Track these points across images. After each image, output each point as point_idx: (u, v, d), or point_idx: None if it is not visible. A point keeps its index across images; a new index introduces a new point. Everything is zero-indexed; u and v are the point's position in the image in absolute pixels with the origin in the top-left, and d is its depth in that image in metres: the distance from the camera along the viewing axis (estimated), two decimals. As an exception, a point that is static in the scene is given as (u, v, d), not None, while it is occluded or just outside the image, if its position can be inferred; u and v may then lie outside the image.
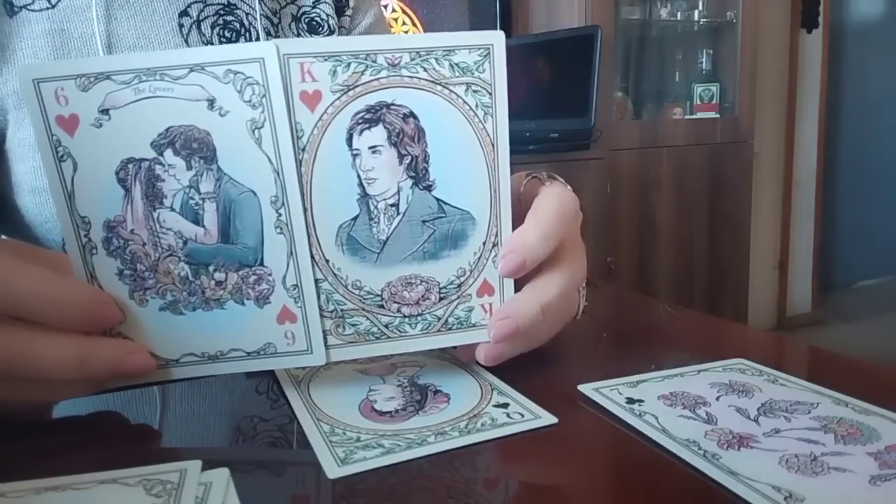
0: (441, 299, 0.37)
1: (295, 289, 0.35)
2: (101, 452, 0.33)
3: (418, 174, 0.36)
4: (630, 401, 0.35)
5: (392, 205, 0.36)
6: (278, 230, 0.35)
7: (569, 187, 0.41)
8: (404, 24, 2.33)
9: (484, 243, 0.37)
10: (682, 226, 2.42)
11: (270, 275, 0.35)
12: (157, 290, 0.35)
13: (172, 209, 0.34)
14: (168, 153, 0.33)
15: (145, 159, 0.33)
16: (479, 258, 0.37)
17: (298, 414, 0.34)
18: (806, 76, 2.96)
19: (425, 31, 2.33)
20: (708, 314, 0.55)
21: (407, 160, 0.35)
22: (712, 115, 2.55)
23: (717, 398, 0.35)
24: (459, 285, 0.37)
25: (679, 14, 2.55)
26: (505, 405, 0.35)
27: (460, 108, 0.35)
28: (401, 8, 2.33)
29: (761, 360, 0.39)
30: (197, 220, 0.34)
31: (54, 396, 0.35)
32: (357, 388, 0.37)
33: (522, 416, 0.34)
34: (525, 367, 0.39)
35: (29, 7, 0.55)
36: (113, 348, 0.33)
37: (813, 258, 3.11)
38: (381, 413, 0.34)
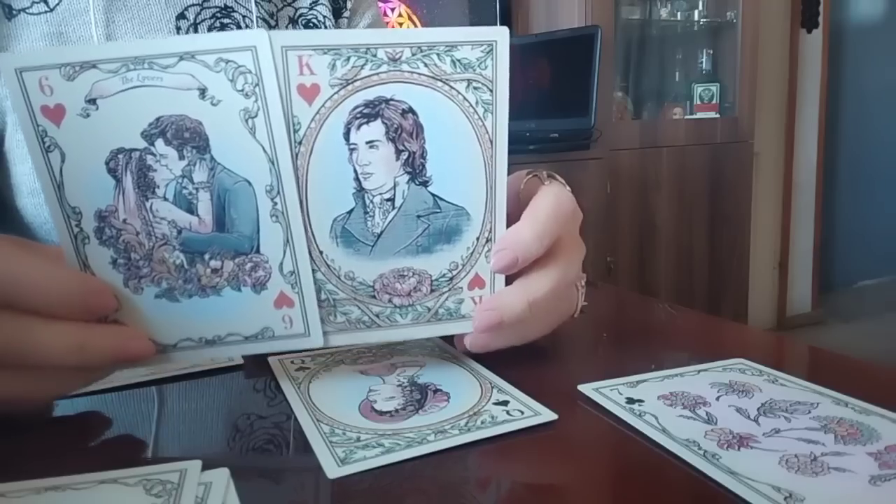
0: (432, 291, 0.37)
1: (292, 275, 0.35)
2: (100, 452, 0.33)
3: (415, 170, 0.36)
4: (630, 401, 0.35)
5: (388, 199, 0.36)
6: (274, 218, 0.35)
7: (568, 188, 0.41)
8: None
9: (478, 238, 0.37)
10: (682, 226, 2.42)
11: (267, 262, 0.35)
12: (152, 279, 0.34)
13: (165, 199, 0.34)
14: (159, 143, 0.33)
15: (136, 149, 0.33)
16: (472, 253, 0.37)
17: (298, 415, 0.34)
18: (806, 76, 2.96)
19: (425, 30, 2.32)
20: (708, 314, 0.55)
21: (404, 156, 0.35)
22: (712, 115, 2.55)
23: (717, 398, 0.35)
24: (451, 278, 0.37)
25: (679, 14, 2.55)
26: (505, 402, 0.35)
27: (460, 105, 0.35)
28: (407, 14, 2.33)
29: (761, 360, 0.39)
30: (191, 210, 0.34)
31: (54, 389, 0.35)
32: (357, 389, 0.37)
33: (522, 412, 0.34)
34: (525, 367, 0.39)
35: (27, 10, 0.55)
36: (111, 334, 0.33)
37: (813, 258, 3.11)
38: (381, 413, 0.34)
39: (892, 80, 3.40)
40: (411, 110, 0.35)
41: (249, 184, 0.34)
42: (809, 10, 2.89)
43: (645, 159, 2.33)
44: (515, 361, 0.38)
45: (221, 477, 0.28)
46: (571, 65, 2.06)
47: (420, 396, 0.36)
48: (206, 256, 0.35)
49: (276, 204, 0.34)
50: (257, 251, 0.35)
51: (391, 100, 0.35)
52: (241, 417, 0.36)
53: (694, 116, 2.55)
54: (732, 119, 2.54)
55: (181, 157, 0.33)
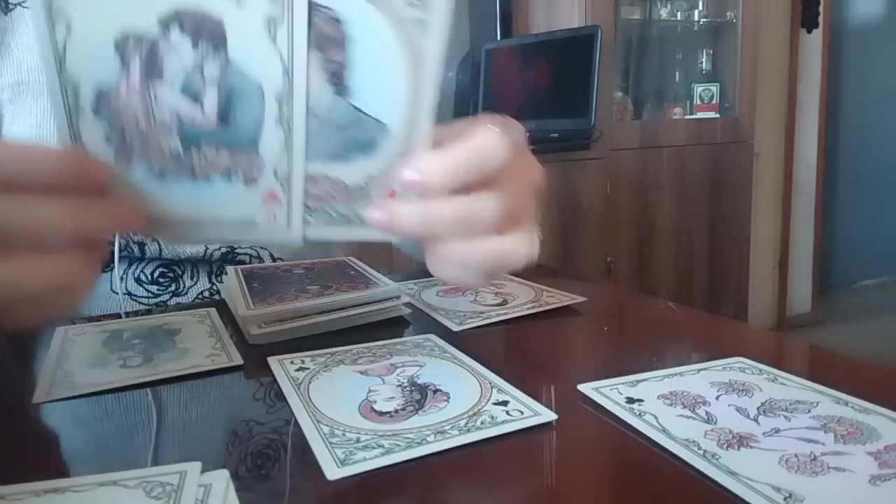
0: (345, 198, 0.37)
1: (286, 177, 0.36)
2: (100, 454, 0.33)
3: (338, 80, 0.35)
4: (630, 400, 0.35)
5: (307, 107, 0.35)
6: (278, 124, 0.34)
7: (524, 142, 0.39)
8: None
9: (395, 154, 0.36)
10: (682, 226, 2.42)
11: (263, 162, 0.35)
12: (143, 158, 0.34)
13: (172, 88, 0.33)
14: (175, 32, 0.33)
15: (149, 35, 0.33)
16: (389, 167, 0.37)
17: (298, 416, 0.34)
18: (806, 76, 2.96)
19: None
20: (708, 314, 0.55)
21: (327, 65, 0.35)
22: (712, 115, 2.55)
23: (717, 397, 0.35)
24: (365, 188, 0.37)
25: (679, 14, 2.55)
26: (504, 403, 0.35)
27: (395, 20, 0.34)
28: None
29: (761, 358, 0.39)
30: (196, 103, 0.34)
31: (48, 277, 0.31)
32: (356, 389, 0.37)
33: (522, 413, 0.34)
34: (525, 367, 0.39)
35: (23, 4, 0.56)
36: (104, 201, 0.33)
37: (813, 258, 3.10)
38: (381, 413, 0.34)
39: (893, 81, 3.40)
40: (339, 20, 0.34)
41: (260, 87, 0.34)
42: (809, 11, 2.89)
43: (645, 159, 2.33)
44: (515, 361, 0.38)
45: (221, 479, 0.28)
46: (571, 65, 2.06)
47: (420, 397, 0.36)
48: (204, 148, 0.35)
49: (283, 110, 0.34)
50: (255, 151, 0.35)
51: (320, 6, 0.33)
52: (241, 419, 0.36)
53: (694, 116, 2.55)
54: (732, 119, 2.54)
55: (195, 51, 0.33)
